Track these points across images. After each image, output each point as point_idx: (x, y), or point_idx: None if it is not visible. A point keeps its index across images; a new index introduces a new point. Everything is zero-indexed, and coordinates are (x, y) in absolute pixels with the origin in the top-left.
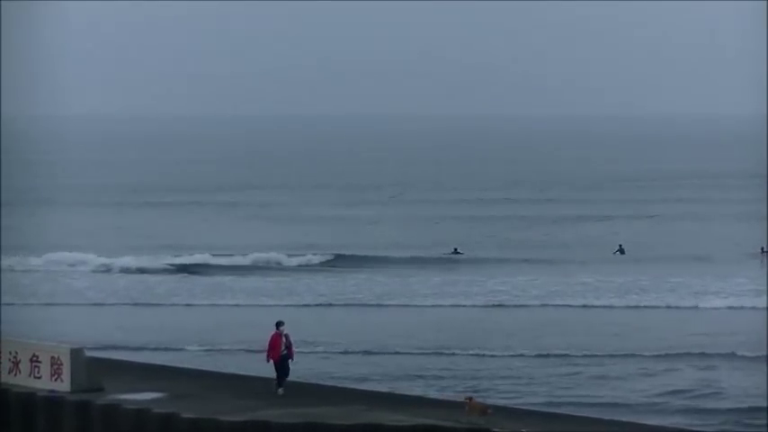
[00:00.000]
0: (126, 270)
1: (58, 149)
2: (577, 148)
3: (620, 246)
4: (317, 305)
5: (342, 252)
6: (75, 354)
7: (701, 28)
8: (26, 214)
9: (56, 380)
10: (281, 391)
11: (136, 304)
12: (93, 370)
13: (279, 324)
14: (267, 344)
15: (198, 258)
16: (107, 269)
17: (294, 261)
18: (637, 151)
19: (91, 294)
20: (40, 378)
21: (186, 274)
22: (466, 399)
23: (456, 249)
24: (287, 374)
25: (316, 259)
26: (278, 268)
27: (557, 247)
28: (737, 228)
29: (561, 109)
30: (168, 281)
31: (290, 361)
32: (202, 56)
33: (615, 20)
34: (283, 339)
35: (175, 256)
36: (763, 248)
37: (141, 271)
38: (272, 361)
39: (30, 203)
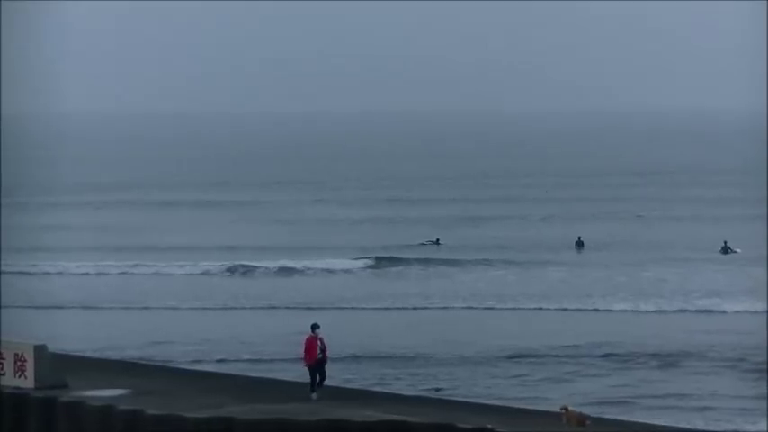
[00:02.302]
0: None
1: (58, 147)
2: (576, 144)
3: (579, 238)
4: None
5: (381, 254)
6: (39, 350)
7: (702, 26)
8: (25, 215)
9: (20, 376)
10: (314, 396)
11: (205, 308)
12: (58, 366)
13: (314, 327)
14: (303, 348)
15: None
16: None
17: (342, 264)
18: (637, 147)
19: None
20: (4, 374)
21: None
22: (562, 409)
23: (437, 240)
24: (324, 378)
25: (360, 263)
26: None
27: (519, 247)
28: (711, 225)
29: (562, 105)
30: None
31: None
32: (201, 55)
33: (614, 19)
34: (318, 343)
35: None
36: (725, 243)
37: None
38: (306, 365)
39: (28, 204)
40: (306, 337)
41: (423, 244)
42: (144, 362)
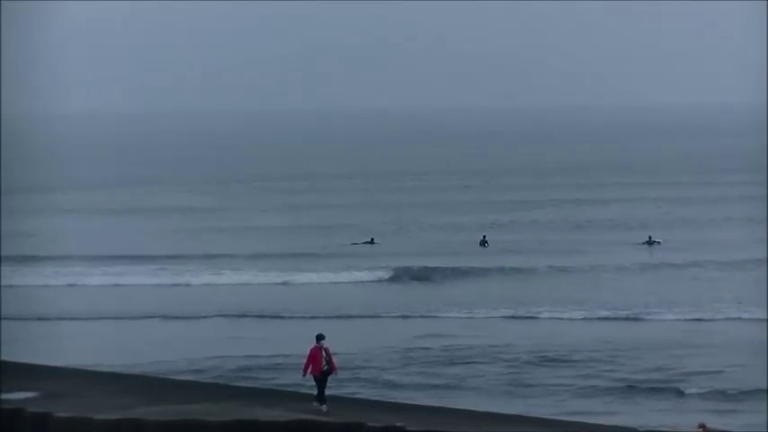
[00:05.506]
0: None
1: (57, 148)
2: (575, 139)
3: (484, 236)
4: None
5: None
6: None
7: (703, 24)
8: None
9: None
10: (324, 408)
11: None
12: None
13: (319, 337)
14: (306, 358)
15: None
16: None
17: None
18: (636, 140)
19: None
20: None
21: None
22: (699, 426)
23: (372, 239)
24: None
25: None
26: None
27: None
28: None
29: (563, 101)
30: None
31: (331, 375)
32: (200, 52)
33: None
34: (323, 354)
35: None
36: (650, 238)
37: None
38: (311, 376)
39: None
40: (310, 347)
41: (355, 243)
42: (53, 365)
